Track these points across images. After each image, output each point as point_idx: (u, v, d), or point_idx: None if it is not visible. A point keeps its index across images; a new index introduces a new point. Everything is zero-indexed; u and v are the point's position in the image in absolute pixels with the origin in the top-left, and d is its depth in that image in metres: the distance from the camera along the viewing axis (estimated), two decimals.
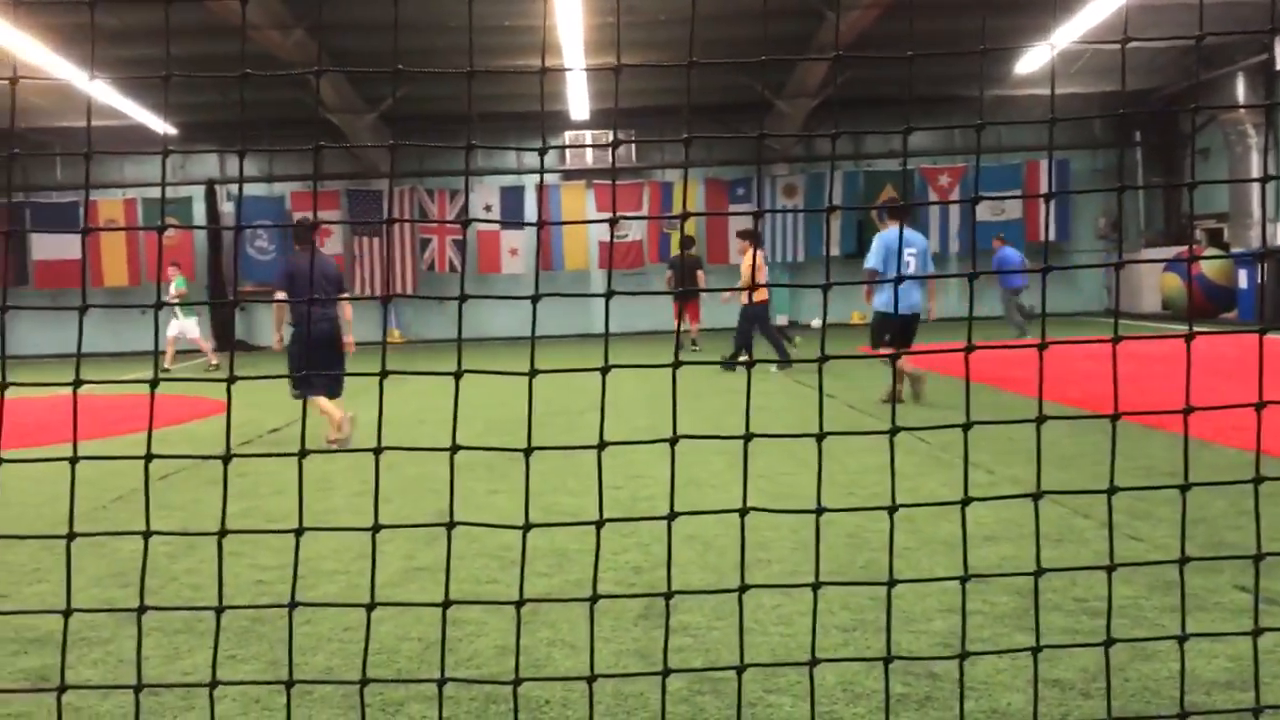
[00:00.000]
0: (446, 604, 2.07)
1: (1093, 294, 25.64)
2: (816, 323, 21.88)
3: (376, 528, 2.09)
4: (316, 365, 8.19)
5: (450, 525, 2.13)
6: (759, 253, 12.02)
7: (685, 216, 2.05)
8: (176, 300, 16.00)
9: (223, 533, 2.12)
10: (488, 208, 25.08)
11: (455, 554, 4.87)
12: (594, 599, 2.14)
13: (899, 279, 2.11)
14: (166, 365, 17.89)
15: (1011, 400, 9.56)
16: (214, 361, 18.32)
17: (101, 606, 4.33)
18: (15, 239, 24.17)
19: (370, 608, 2.14)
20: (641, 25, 18.27)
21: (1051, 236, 24.79)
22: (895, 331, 9.48)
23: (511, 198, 25.15)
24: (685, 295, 13.69)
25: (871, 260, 9.65)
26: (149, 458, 2.10)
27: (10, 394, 2.30)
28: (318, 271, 8.45)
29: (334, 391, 8.52)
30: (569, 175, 25.39)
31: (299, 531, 2.09)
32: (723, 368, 12.06)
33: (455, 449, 2.16)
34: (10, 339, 24.81)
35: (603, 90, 21.96)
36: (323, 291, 8.39)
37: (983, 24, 1.95)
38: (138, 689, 2.20)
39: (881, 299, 9.63)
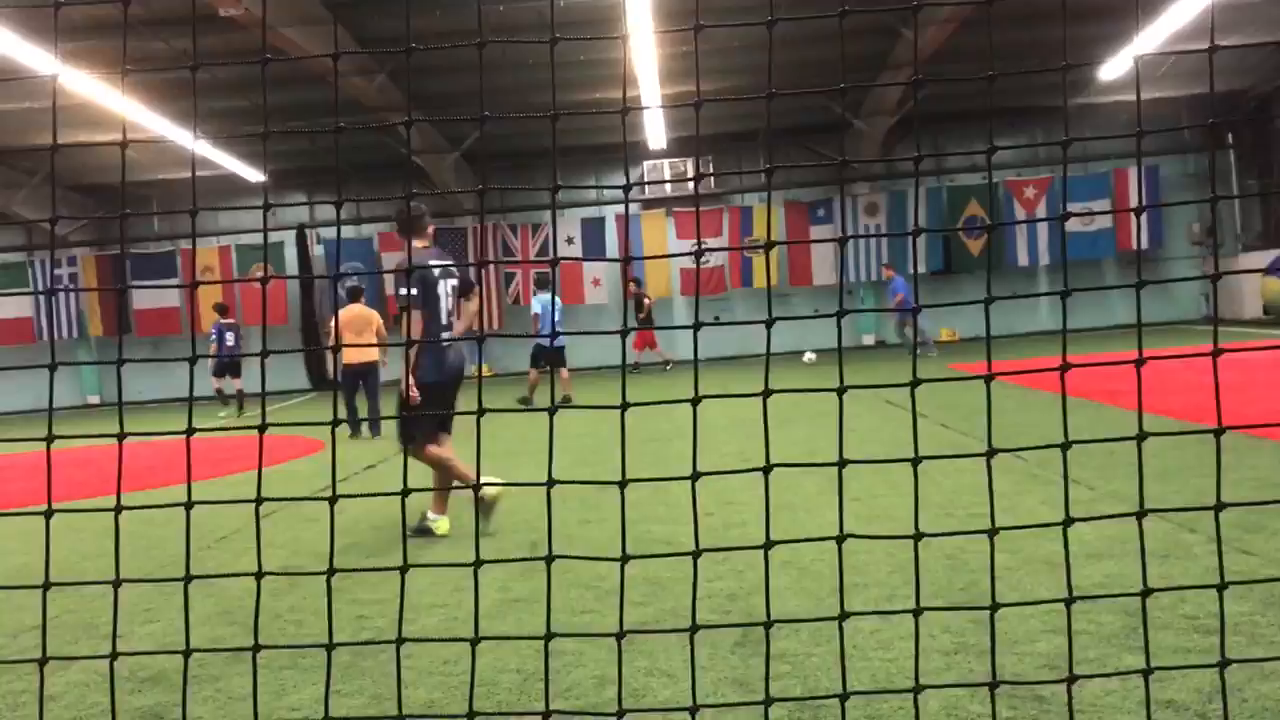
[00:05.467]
0: (548, 636, 2.09)
1: (1189, 302, 24.93)
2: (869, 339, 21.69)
3: (478, 562, 2.12)
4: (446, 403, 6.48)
5: (549, 559, 2.16)
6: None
7: (770, 245, 2.06)
8: None
9: (330, 571, 2.18)
10: (569, 240, 25.33)
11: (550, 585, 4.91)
12: (694, 629, 2.14)
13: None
14: None
15: (1112, 415, 9.34)
16: None
17: (212, 645, 4.46)
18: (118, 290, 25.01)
19: (475, 642, 2.17)
20: (716, 52, 18.37)
21: (1144, 245, 24.20)
22: (549, 357, 13.65)
23: (593, 229, 25.37)
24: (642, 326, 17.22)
25: (534, 310, 15.42)
26: (259, 500, 2.17)
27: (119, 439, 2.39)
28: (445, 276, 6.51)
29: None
30: (649, 205, 25.53)
31: (404, 569, 2.13)
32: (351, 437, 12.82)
33: (551, 483, 2.19)
34: (95, 386, 25.70)
35: (679, 119, 22.10)
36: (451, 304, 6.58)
37: (1064, 36, 1.91)
38: None
39: (542, 341, 14.78)
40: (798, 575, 4.86)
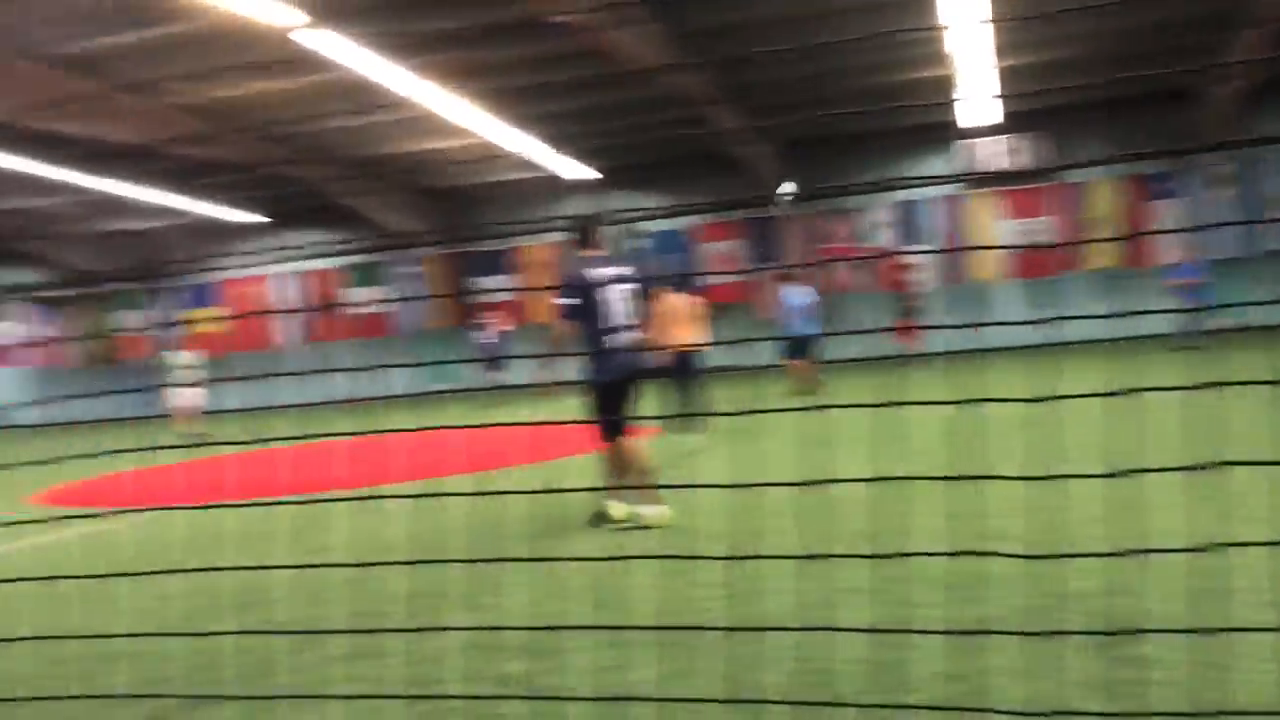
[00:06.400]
0: (976, 633, 2.04)
1: None
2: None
3: (863, 556, 2.09)
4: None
5: (927, 554, 2.10)
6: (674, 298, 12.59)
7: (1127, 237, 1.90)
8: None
9: (727, 558, 2.22)
10: (885, 225, 24.80)
11: (884, 577, 4.82)
12: (1061, 631, 2.02)
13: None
14: (181, 428, 18.65)
15: None
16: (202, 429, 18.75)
17: (556, 620, 4.71)
18: (456, 283, 27.22)
19: (907, 633, 2.15)
20: (1048, 20, 17.39)
21: None
22: (795, 347, 15.93)
23: (909, 213, 24.70)
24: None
25: (789, 301, 16.07)
26: (625, 487, 2.24)
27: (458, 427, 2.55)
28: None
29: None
30: (974, 184, 24.49)
31: (757, 557, 2.14)
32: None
33: (931, 478, 2.13)
34: (451, 374, 27.66)
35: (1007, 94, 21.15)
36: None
37: None
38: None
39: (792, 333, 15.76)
40: (1160, 577, 4.52)
